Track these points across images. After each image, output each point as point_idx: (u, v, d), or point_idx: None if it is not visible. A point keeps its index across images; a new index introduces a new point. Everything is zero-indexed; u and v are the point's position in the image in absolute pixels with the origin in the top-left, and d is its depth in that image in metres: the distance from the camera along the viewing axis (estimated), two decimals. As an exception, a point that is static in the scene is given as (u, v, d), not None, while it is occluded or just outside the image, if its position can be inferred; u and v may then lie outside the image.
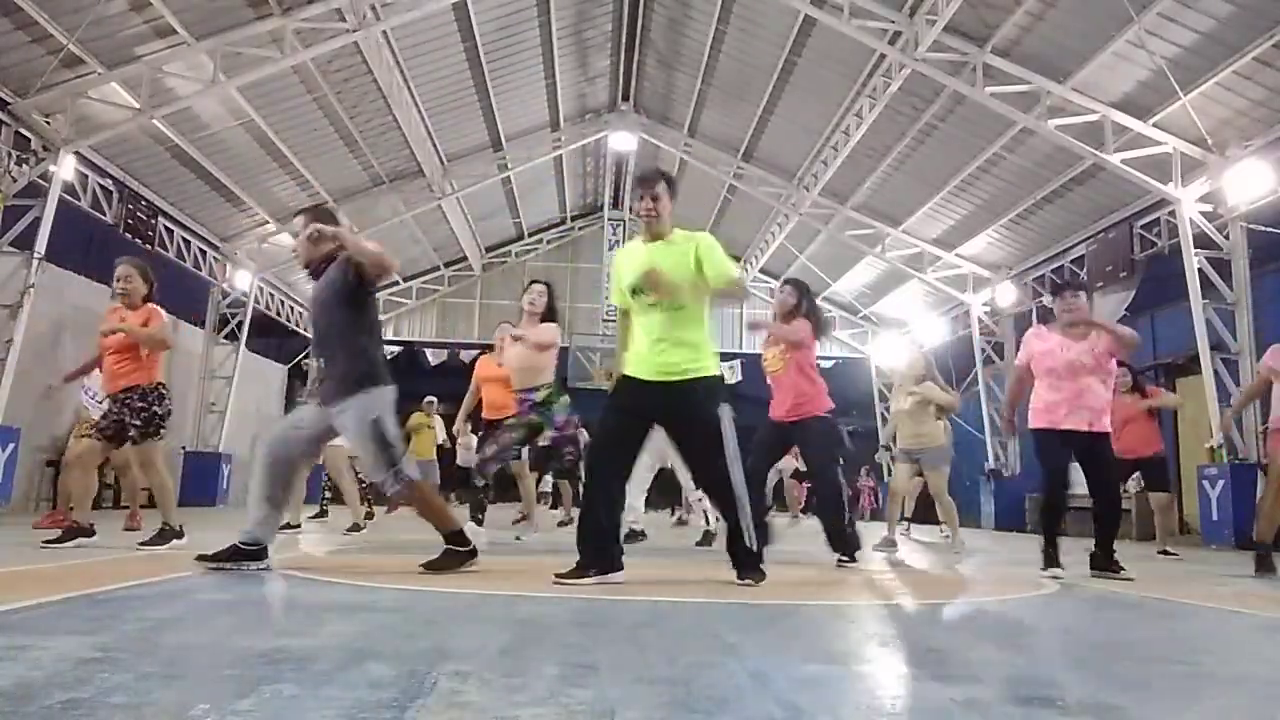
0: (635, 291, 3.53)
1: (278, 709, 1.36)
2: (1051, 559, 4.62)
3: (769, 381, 5.13)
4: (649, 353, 3.50)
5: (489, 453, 5.15)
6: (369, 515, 9.20)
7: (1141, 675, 1.99)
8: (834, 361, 21.21)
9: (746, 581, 3.47)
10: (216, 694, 1.43)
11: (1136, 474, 11.75)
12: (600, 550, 3.43)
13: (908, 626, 2.82)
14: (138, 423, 4.62)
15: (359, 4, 10.35)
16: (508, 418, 5.35)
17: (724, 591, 3.52)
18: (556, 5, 12.74)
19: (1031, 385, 4.85)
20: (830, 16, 10.69)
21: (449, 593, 3.09)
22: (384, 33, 11.33)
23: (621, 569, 3.45)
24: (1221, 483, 9.39)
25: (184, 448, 13.71)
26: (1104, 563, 4.67)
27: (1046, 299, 13.59)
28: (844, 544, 4.86)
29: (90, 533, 4.56)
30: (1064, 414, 4.65)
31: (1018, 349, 5.13)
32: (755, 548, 3.55)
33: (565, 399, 5.27)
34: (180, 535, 4.62)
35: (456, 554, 3.68)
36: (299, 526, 7.03)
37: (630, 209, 4.26)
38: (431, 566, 3.64)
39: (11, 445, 8.87)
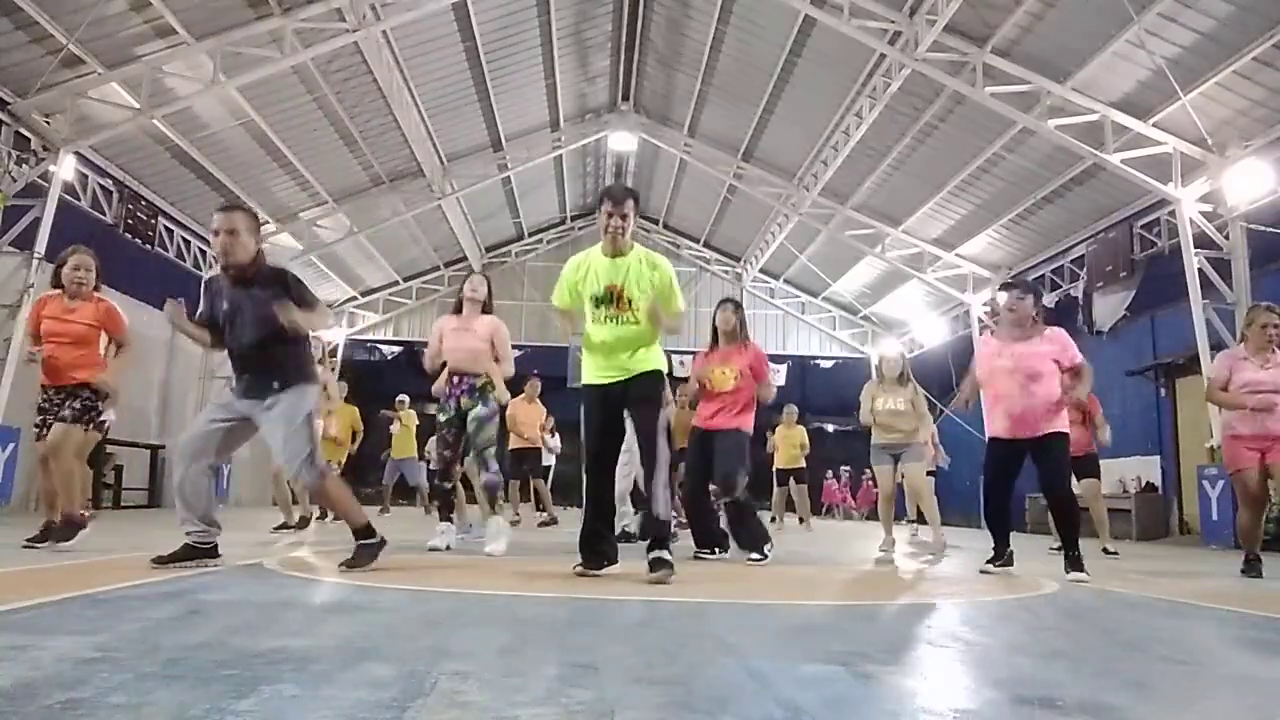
0: (600, 302, 3.81)
1: (278, 709, 1.36)
2: (994, 557, 4.76)
3: (706, 396, 5.32)
4: (607, 360, 3.85)
5: (449, 455, 5.16)
6: (306, 518, 8.14)
7: (1141, 675, 1.99)
8: (834, 361, 21.24)
9: (658, 577, 3.54)
10: (216, 694, 1.43)
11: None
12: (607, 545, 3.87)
13: (908, 626, 2.82)
14: (76, 406, 4.57)
15: (359, 4, 10.35)
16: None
17: (724, 591, 3.52)
18: (556, 5, 12.74)
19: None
20: (830, 16, 10.69)
21: (449, 593, 3.09)
22: (384, 33, 11.33)
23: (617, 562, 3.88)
24: (1221, 483, 9.38)
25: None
26: (1067, 564, 4.61)
27: (1047, 299, 13.60)
28: (755, 541, 5.12)
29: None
30: (1011, 424, 4.66)
31: None
32: (663, 517, 3.78)
33: (498, 391, 5.31)
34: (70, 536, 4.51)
35: (368, 547, 3.72)
36: (294, 527, 6.99)
37: (600, 222, 4.34)
38: (350, 564, 3.65)
39: (11, 445, 8.88)
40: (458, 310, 5.34)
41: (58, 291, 4.66)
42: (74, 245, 4.80)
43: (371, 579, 3.39)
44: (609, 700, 1.49)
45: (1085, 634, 2.77)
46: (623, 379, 3.85)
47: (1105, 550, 6.81)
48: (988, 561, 4.78)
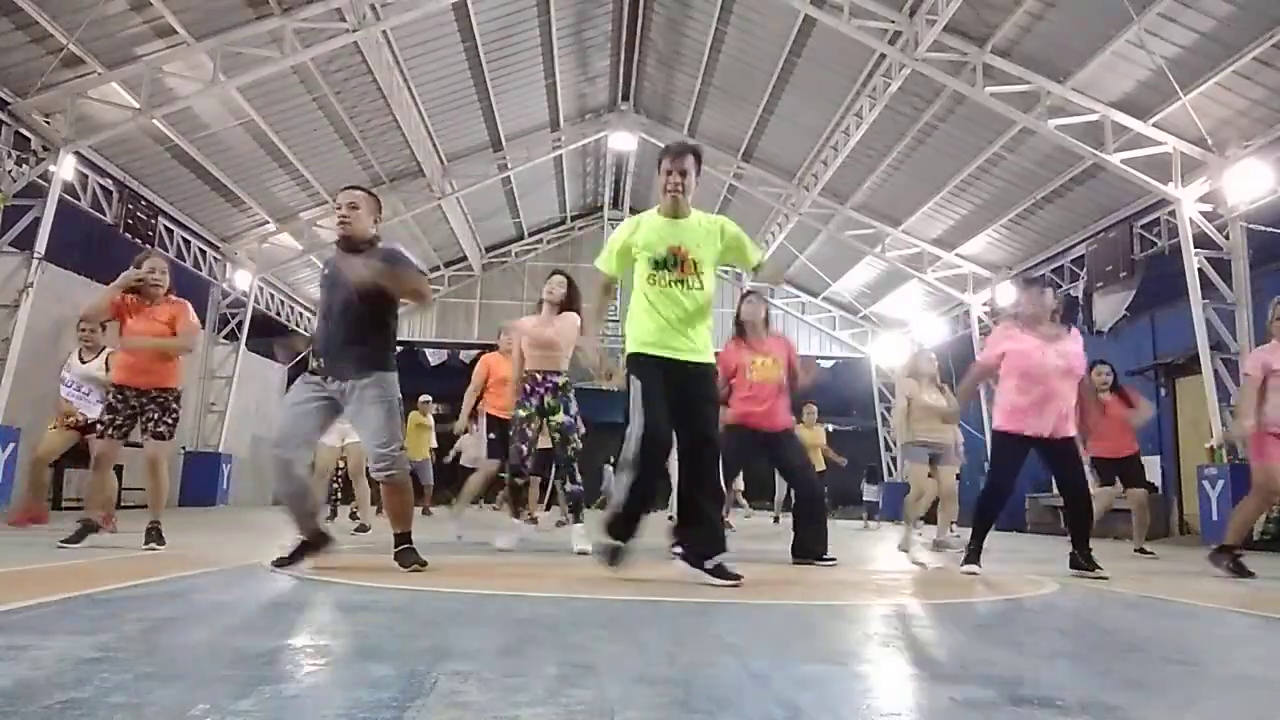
0: (660, 265, 3.48)
1: (278, 709, 1.36)
2: (973, 555, 4.71)
3: (748, 387, 5.25)
4: (674, 330, 3.46)
5: (525, 450, 5.24)
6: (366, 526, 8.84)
7: (1141, 675, 1.99)
8: (834, 361, 21.23)
9: (729, 584, 3.45)
10: (216, 694, 1.43)
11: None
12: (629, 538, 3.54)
13: (908, 626, 2.82)
14: (170, 421, 4.76)
15: (359, 4, 10.34)
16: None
17: (724, 591, 3.52)
18: (556, 5, 12.74)
19: (993, 381, 4.89)
20: (830, 16, 10.69)
21: (449, 593, 3.09)
22: (384, 33, 11.33)
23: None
24: (1221, 483, 9.39)
25: (184, 448, 13.71)
26: (1081, 562, 4.63)
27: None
28: (824, 543, 5.11)
29: (97, 529, 4.63)
30: (1030, 420, 4.62)
31: None
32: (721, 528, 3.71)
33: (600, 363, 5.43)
34: (162, 540, 4.63)
35: (413, 549, 3.77)
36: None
37: (659, 181, 4.23)
38: (404, 562, 3.71)
39: (12, 445, 8.87)
40: (538, 310, 5.44)
41: (132, 295, 4.86)
42: (147, 249, 5.07)
43: (371, 579, 3.39)
44: (609, 700, 1.49)
45: (1085, 634, 2.77)
46: (694, 358, 3.48)
47: (1142, 550, 7.09)
48: (966, 561, 4.72)
